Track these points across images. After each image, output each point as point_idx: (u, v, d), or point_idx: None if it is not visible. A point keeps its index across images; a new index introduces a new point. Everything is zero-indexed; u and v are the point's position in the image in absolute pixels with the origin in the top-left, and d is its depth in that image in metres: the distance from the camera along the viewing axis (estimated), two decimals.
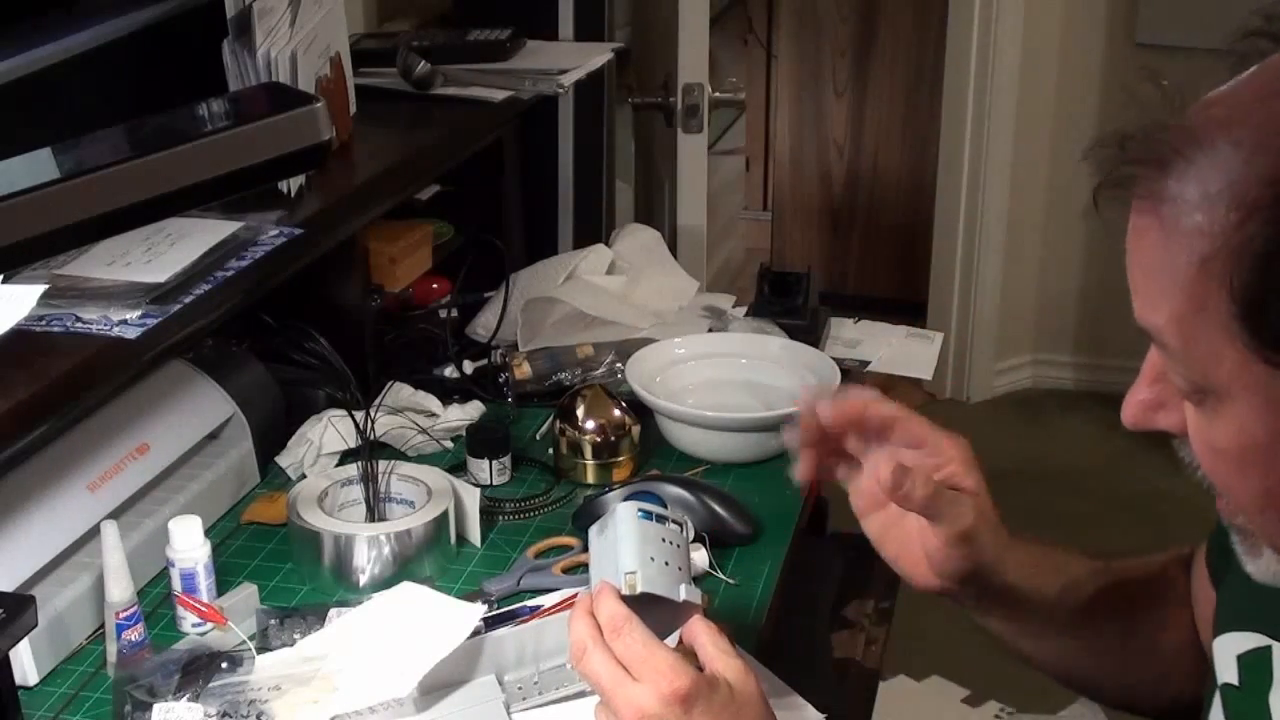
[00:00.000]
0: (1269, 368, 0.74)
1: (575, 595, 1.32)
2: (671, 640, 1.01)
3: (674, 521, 1.04)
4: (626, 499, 1.45)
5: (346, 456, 1.57)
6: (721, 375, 1.77)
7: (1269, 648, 0.95)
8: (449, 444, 1.65)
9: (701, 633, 0.99)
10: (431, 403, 1.66)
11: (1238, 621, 0.98)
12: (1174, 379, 0.82)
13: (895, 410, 1.10)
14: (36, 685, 1.25)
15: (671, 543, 1.02)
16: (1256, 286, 0.73)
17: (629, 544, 1.01)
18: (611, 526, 1.03)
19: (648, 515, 1.03)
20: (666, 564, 1.01)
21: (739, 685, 0.95)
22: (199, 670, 1.19)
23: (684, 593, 1.01)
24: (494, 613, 1.31)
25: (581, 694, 1.21)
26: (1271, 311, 0.73)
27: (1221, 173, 0.74)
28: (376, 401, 1.55)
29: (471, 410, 1.68)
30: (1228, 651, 0.99)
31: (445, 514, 1.42)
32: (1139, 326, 0.82)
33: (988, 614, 1.15)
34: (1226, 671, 0.99)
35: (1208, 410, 0.80)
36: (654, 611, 0.99)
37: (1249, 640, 0.96)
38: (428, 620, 1.24)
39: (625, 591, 0.99)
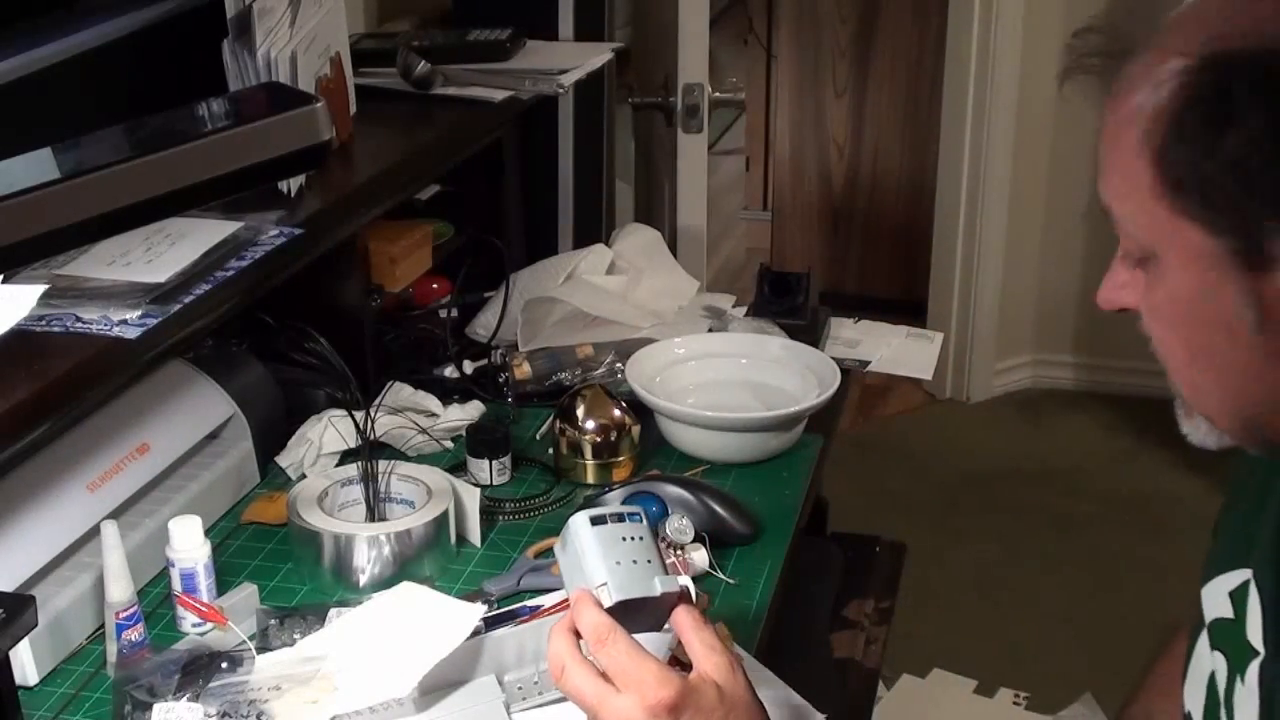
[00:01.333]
0: (1188, 221, 0.83)
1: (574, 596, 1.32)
2: (663, 640, 1.01)
3: (630, 515, 1.04)
4: (625, 497, 1.46)
5: (346, 456, 1.57)
6: (721, 375, 1.77)
7: (1248, 582, 0.99)
8: (449, 444, 1.65)
9: (687, 628, 0.99)
10: (431, 403, 1.66)
11: (1228, 563, 1.02)
12: (1128, 253, 0.90)
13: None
14: (36, 685, 1.25)
15: (634, 538, 1.02)
16: (1173, 144, 0.82)
17: (591, 556, 1.01)
18: (570, 542, 1.03)
19: (601, 519, 1.02)
20: (635, 562, 1.01)
21: (726, 685, 0.96)
22: (199, 670, 1.19)
23: (659, 585, 1.00)
24: (494, 613, 1.31)
25: None
26: (1183, 166, 0.82)
27: (1160, 56, 0.84)
28: (376, 401, 1.55)
29: (471, 410, 1.68)
30: (1219, 591, 1.02)
31: (445, 514, 1.42)
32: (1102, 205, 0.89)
33: None
34: (1217, 609, 1.02)
35: (1152, 275, 0.88)
36: (639, 611, 0.99)
37: (1239, 576, 1.00)
38: (428, 620, 1.24)
39: (603, 603, 0.99)
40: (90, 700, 1.24)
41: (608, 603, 0.99)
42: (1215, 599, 1.03)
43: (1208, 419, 0.92)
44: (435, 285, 1.95)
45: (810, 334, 1.91)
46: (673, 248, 2.35)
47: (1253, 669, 0.96)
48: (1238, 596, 0.99)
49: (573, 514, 1.45)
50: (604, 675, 0.95)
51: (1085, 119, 3.72)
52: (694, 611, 1.00)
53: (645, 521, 1.04)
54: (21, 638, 1.10)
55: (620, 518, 1.03)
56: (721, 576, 1.40)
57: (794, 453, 1.66)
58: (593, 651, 0.96)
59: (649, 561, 1.01)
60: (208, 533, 1.35)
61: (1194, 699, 1.04)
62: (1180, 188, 0.82)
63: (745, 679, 0.98)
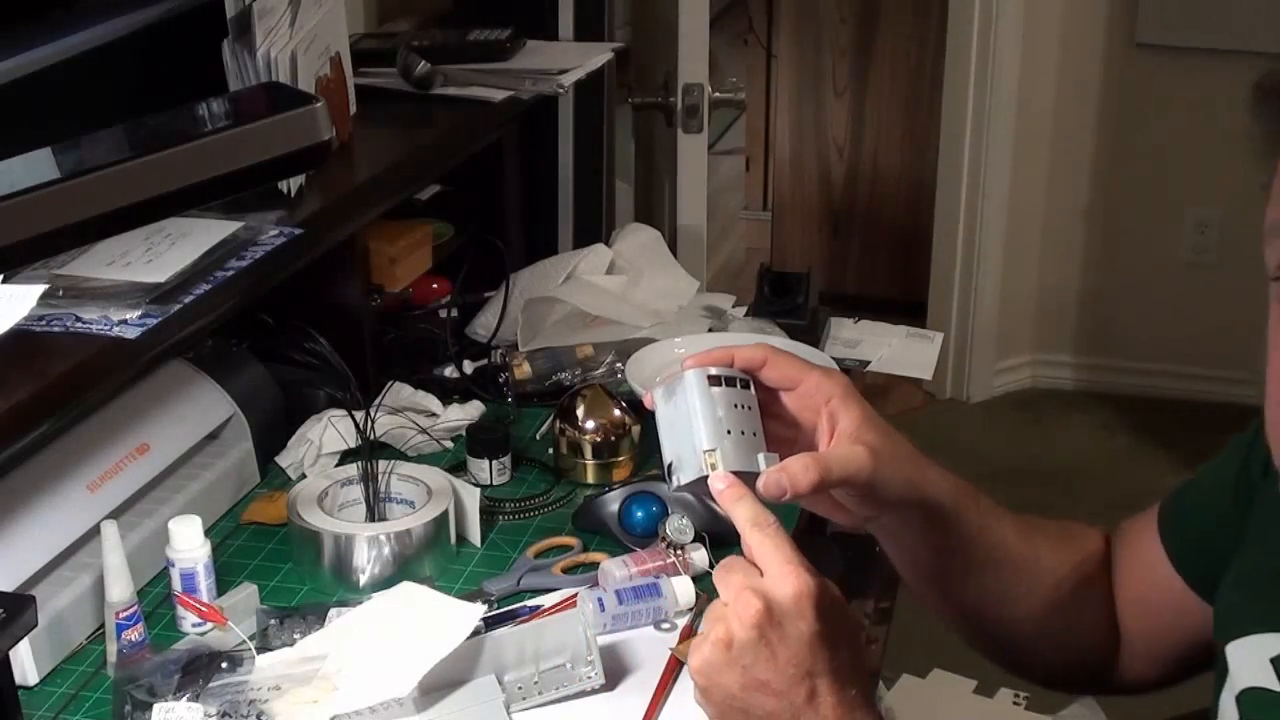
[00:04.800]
0: None
1: (575, 595, 1.32)
2: None
3: (742, 380, 0.99)
4: (625, 497, 1.46)
5: (346, 456, 1.57)
6: None
7: None
8: (449, 444, 1.65)
9: (767, 548, 0.94)
10: (431, 403, 1.66)
11: (1263, 623, 0.96)
12: None
13: (762, 352, 1.03)
14: (36, 685, 1.25)
15: (745, 407, 0.98)
16: None
17: (703, 419, 0.96)
18: (680, 396, 0.97)
19: (718, 380, 0.97)
20: (743, 433, 0.97)
21: (821, 597, 0.93)
22: (199, 670, 1.19)
23: (763, 462, 0.97)
24: (494, 613, 1.31)
25: (581, 694, 1.21)
26: None
27: None
28: (376, 401, 1.55)
29: (471, 410, 1.68)
30: (1256, 655, 0.96)
31: (445, 514, 1.42)
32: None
33: (907, 546, 1.12)
34: (1252, 675, 0.96)
35: None
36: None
37: (1277, 641, 0.94)
38: (428, 620, 1.24)
39: (705, 471, 0.95)
40: (90, 700, 1.24)
41: (708, 472, 0.95)
42: (1251, 663, 0.96)
43: None
44: (435, 285, 1.95)
45: (810, 334, 1.91)
46: (673, 248, 2.34)
47: None
48: None
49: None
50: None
51: (1086, 120, 3.73)
52: (779, 530, 0.95)
53: (754, 390, 1.00)
54: (21, 638, 1.10)
55: (734, 381, 0.98)
56: None
57: None
58: (745, 533, 0.93)
59: (754, 434, 0.98)
60: (208, 533, 1.35)
61: None
62: None
63: (837, 593, 0.96)
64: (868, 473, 1.00)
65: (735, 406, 0.97)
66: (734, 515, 0.94)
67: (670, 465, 0.99)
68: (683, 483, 0.99)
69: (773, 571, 0.91)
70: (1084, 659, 1.19)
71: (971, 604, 1.16)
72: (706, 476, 0.96)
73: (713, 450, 0.96)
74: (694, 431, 0.97)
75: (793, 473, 0.97)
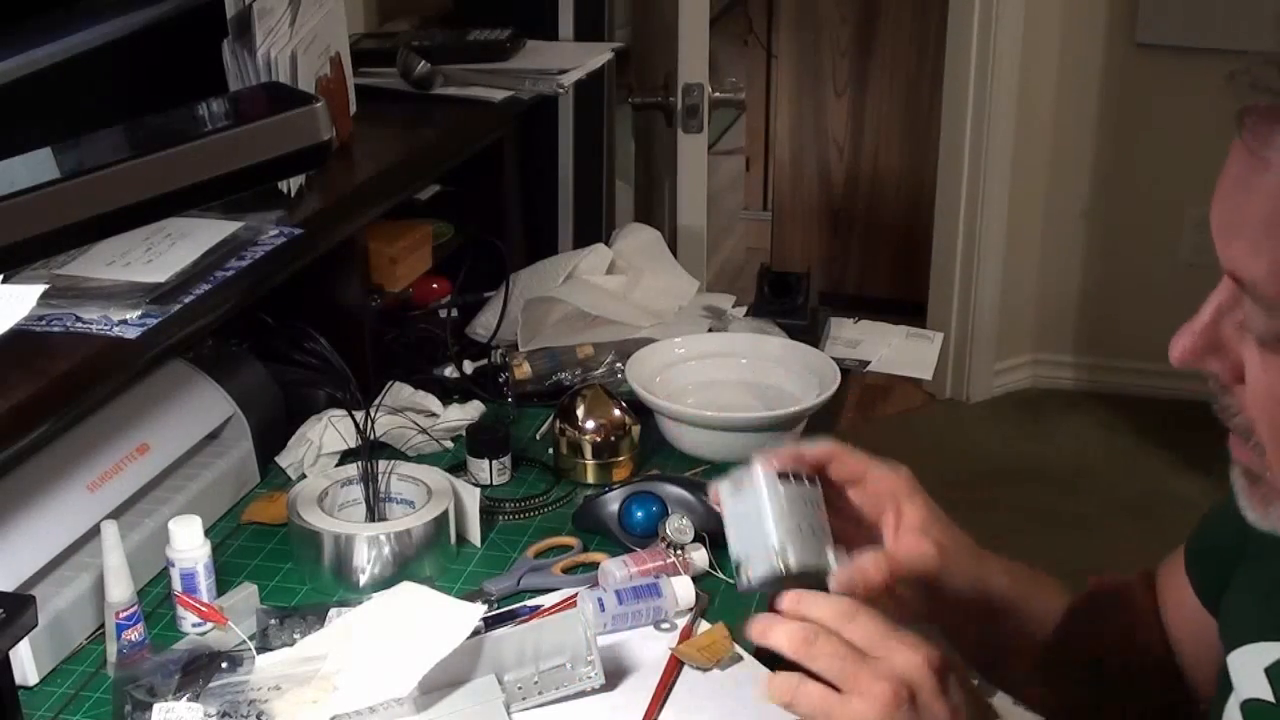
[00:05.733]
0: None
1: (575, 595, 1.32)
2: None
3: (809, 478, 0.99)
4: (625, 497, 1.46)
5: (346, 456, 1.57)
6: (721, 375, 1.77)
7: None
8: (449, 444, 1.65)
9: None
10: (431, 403, 1.66)
11: (1259, 632, 0.95)
12: (1251, 324, 0.78)
13: (829, 449, 1.04)
14: (36, 685, 1.25)
15: (812, 504, 0.97)
16: None
17: (774, 515, 0.96)
18: (750, 491, 0.97)
19: (785, 477, 0.97)
20: (812, 530, 0.97)
21: (940, 669, 0.89)
22: (199, 670, 1.19)
23: (832, 558, 0.97)
24: (494, 613, 1.31)
25: (581, 694, 1.21)
26: None
27: None
28: (376, 401, 1.55)
29: (471, 410, 1.68)
30: (1252, 664, 0.95)
31: (445, 514, 1.42)
32: (1225, 268, 0.78)
33: (970, 639, 1.11)
34: (1251, 686, 0.95)
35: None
36: (795, 584, 0.95)
37: (1276, 650, 0.93)
38: (428, 620, 1.24)
39: (778, 568, 0.95)
40: (90, 700, 1.24)
41: (781, 569, 0.94)
42: (1248, 672, 0.95)
43: None
44: (435, 285, 1.95)
45: (810, 334, 1.91)
46: (673, 248, 2.34)
47: None
48: (1278, 676, 0.92)
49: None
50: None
51: (1086, 120, 3.73)
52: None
53: (820, 487, 0.99)
54: (21, 638, 1.10)
55: (801, 478, 0.98)
56: (721, 576, 1.40)
57: None
58: (838, 626, 0.88)
59: (822, 530, 0.97)
60: (208, 533, 1.35)
61: None
62: None
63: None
64: (935, 568, 1.01)
65: (804, 503, 0.98)
66: (812, 614, 0.90)
67: (739, 562, 0.99)
68: (753, 580, 0.98)
69: (891, 647, 0.88)
70: (1164, 707, 1.17)
71: (1055, 690, 1.16)
72: (780, 574, 0.95)
73: (783, 548, 0.96)
74: (764, 528, 0.97)
75: (864, 568, 0.97)
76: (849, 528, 1.04)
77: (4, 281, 1.13)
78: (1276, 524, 0.83)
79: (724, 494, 1.01)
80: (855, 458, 1.05)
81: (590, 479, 1.59)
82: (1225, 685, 0.99)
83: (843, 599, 0.91)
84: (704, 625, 1.31)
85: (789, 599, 0.92)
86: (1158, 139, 3.66)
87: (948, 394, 3.98)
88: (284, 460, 1.57)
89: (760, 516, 0.97)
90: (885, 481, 1.04)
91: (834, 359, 1.75)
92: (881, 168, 4.41)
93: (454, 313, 1.91)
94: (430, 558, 1.41)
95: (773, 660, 1.26)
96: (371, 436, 1.48)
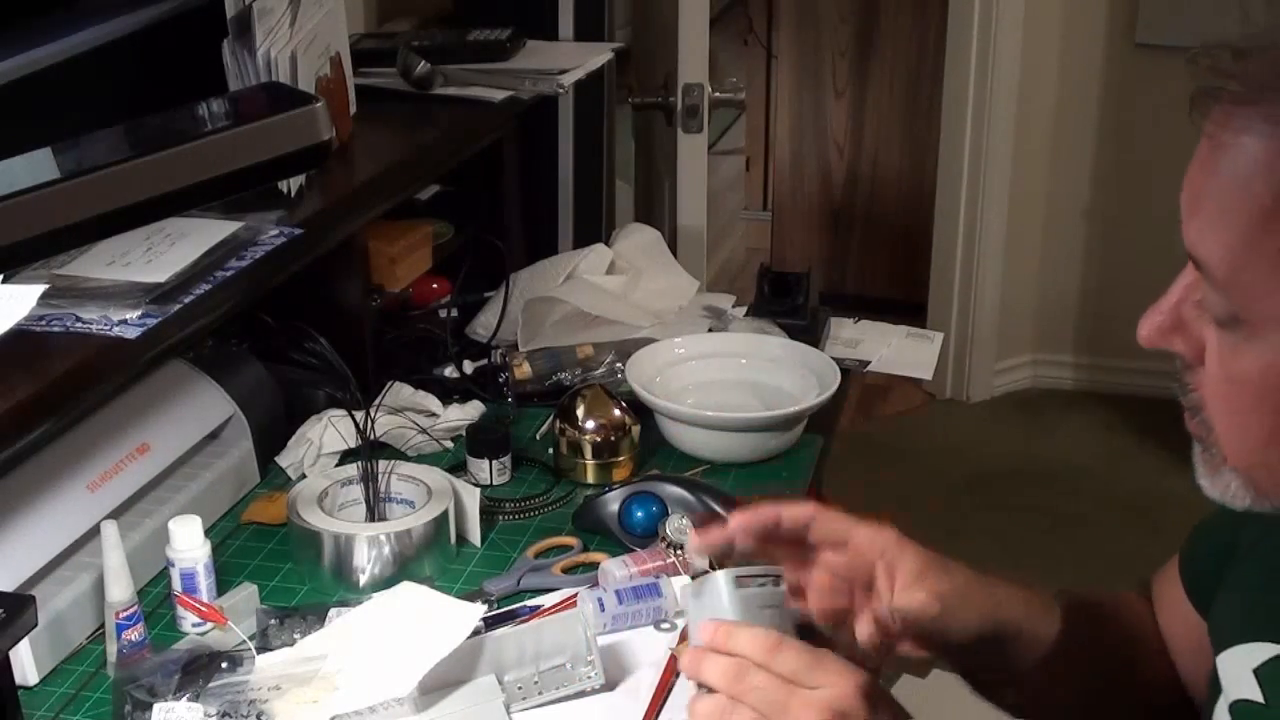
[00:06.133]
0: None
1: (575, 595, 1.32)
2: None
3: (774, 578, 0.98)
4: (625, 497, 1.46)
5: (346, 456, 1.57)
6: (721, 375, 1.77)
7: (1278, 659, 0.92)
8: (449, 444, 1.65)
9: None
10: (431, 403, 1.66)
11: (1246, 633, 0.95)
12: (1208, 304, 0.80)
13: (808, 510, 1.04)
14: (36, 685, 1.25)
15: (773, 607, 0.97)
16: None
17: (731, 621, 0.95)
18: (709, 596, 0.97)
19: (745, 582, 0.96)
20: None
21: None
22: (199, 670, 1.19)
23: None
24: (494, 613, 1.31)
25: (581, 694, 1.21)
26: None
27: None
28: (376, 401, 1.55)
29: (471, 410, 1.68)
30: (1240, 665, 0.95)
31: (445, 514, 1.42)
32: (1185, 250, 0.80)
33: (987, 668, 1.11)
34: (1240, 687, 0.95)
35: (1237, 339, 0.79)
36: None
37: (1264, 650, 0.94)
38: (428, 620, 1.24)
39: None
40: (90, 700, 1.24)
41: None
42: (1237, 674, 0.95)
43: (1264, 494, 0.84)
44: (435, 285, 1.95)
45: (810, 334, 1.91)
46: (673, 248, 2.35)
47: None
48: (1266, 677, 0.92)
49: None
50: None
51: (1086, 120, 3.73)
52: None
53: (784, 586, 0.99)
54: (21, 638, 1.10)
55: (764, 582, 0.98)
56: None
57: (794, 453, 1.65)
58: (766, 660, 0.90)
59: (788, 631, 0.97)
60: (208, 533, 1.35)
61: None
62: None
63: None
64: (934, 616, 1.01)
65: (763, 609, 0.97)
66: (738, 649, 0.91)
67: None
68: None
69: (819, 677, 0.89)
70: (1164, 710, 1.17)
71: (1062, 703, 1.15)
72: None
73: None
74: None
75: (861, 637, 0.98)
76: (839, 586, 1.04)
77: (4, 281, 1.13)
78: (1223, 492, 0.85)
79: (688, 596, 1.01)
80: (836, 520, 1.04)
81: (590, 479, 1.59)
82: (1215, 687, 0.99)
83: (769, 632, 0.92)
84: None
85: (711, 631, 0.93)
86: (1158, 139, 3.66)
87: (948, 394, 3.98)
88: (284, 460, 1.57)
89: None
90: (872, 543, 1.03)
91: (834, 359, 1.75)
92: (881, 168, 4.41)
93: (454, 313, 1.91)
94: (430, 558, 1.41)
95: None
96: (371, 436, 1.48)
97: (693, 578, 0.99)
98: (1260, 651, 0.93)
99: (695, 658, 0.92)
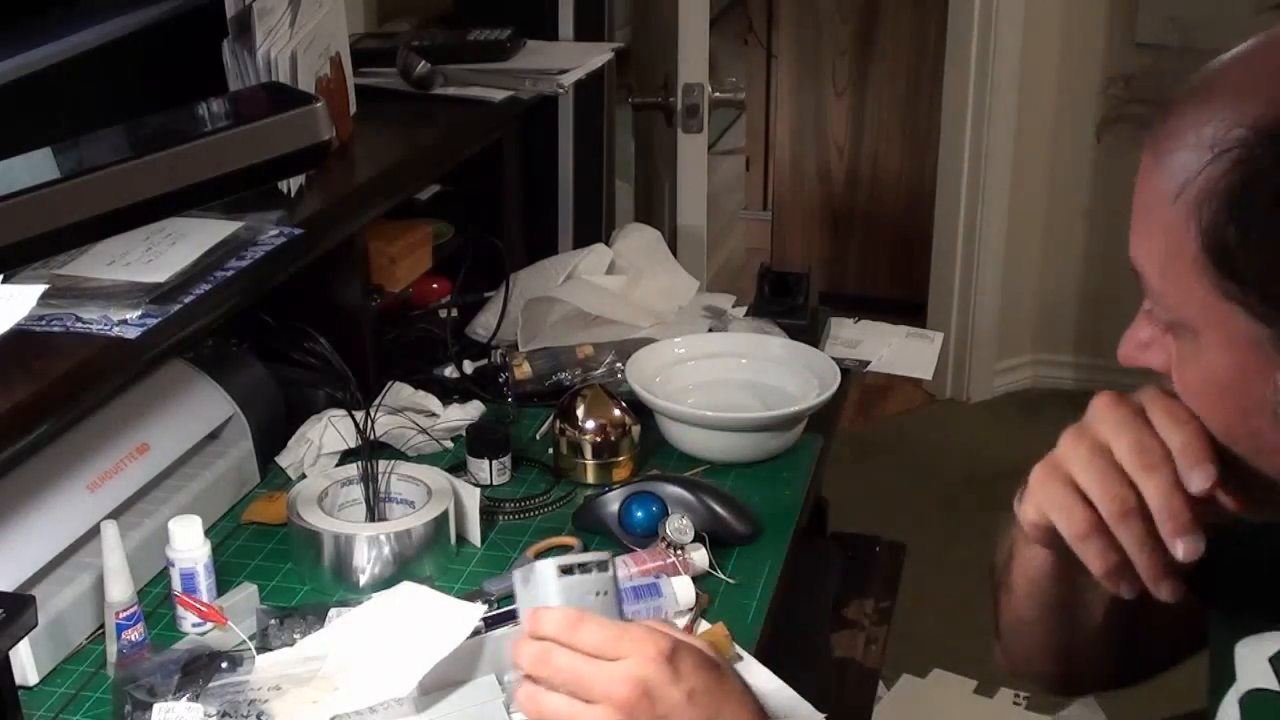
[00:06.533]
0: (1232, 305, 0.77)
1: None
2: None
3: (599, 565, 0.99)
4: (625, 497, 1.46)
5: (346, 456, 1.57)
6: (721, 375, 1.77)
7: None
8: (449, 444, 1.65)
9: (659, 624, 0.98)
10: (431, 403, 1.66)
11: (1267, 622, 0.96)
12: (1155, 314, 0.85)
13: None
14: (36, 685, 1.25)
15: (601, 594, 0.98)
16: (1223, 225, 0.76)
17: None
18: (534, 586, 0.99)
19: (570, 569, 0.98)
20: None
21: (714, 655, 0.95)
22: (199, 670, 1.19)
23: None
24: (494, 613, 1.31)
25: None
26: (1234, 250, 0.75)
27: (1209, 115, 0.77)
28: (376, 401, 1.55)
29: (471, 410, 1.68)
30: (1257, 654, 0.96)
31: (445, 514, 1.42)
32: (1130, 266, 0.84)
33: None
34: (1255, 675, 0.96)
35: (1185, 346, 0.83)
36: None
37: (1278, 639, 0.94)
38: (428, 620, 1.24)
39: None
40: (90, 700, 1.24)
41: None
42: (1253, 662, 0.96)
43: None
44: (435, 285, 1.95)
45: (810, 334, 1.91)
46: (673, 248, 2.35)
47: None
48: None
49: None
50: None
51: (1086, 120, 3.73)
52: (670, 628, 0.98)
53: (613, 571, 1.00)
54: (21, 638, 1.10)
55: (589, 568, 0.99)
56: (721, 576, 1.40)
57: (794, 453, 1.66)
58: (568, 638, 0.93)
59: (613, 616, 0.99)
60: (208, 533, 1.35)
61: None
62: (1232, 271, 0.76)
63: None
64: None
65: (587, 595, 0.98)
66: (542, 631, 0.94)
67: None
68: None
69: (621, 647, 0.92)
70: (1112, 658, 1.18)
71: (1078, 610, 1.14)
72: None
73: None
74: None
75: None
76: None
77: (4, 281, 1.13)
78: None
79: (517, 585, 1.02)
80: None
81: (590, 479, 1.59)
82: (1227, 676, 0.99)
83: (570, 610, 0.94)
84: (704, 625, 1.31)
85: (526, 618, 0.96)
86: None
87: (948, 394, 3.98)
88: (284, 460, 1.57)
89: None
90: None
91: (834, 359, 1.75)
92: (881, 168, 4.41)
93: (454, 313, 1.91)
94: (430, 558, 1.41)
95: (773, 659, 1.26)
96: (371, 436, 1.49)
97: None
98: (1275, 640, 0.94)
99: (515, 647, 0.95)
